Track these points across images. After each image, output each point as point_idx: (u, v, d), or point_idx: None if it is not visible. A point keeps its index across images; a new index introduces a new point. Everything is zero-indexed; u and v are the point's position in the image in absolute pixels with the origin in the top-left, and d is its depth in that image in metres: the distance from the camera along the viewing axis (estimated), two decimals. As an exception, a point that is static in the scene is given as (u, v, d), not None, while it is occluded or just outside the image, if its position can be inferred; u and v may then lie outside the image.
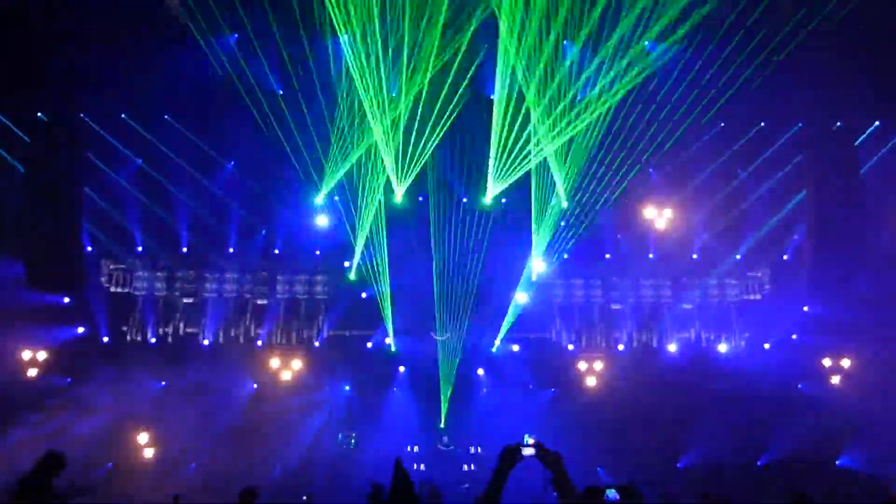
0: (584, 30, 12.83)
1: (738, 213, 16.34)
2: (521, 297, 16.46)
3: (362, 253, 16.48)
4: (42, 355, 14.91)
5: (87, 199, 15.34)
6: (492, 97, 15.07)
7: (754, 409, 14.99)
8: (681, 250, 16.75)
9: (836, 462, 15.08)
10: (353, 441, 16.20)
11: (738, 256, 16.82)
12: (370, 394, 16.63)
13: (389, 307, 16.15)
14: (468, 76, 14.29)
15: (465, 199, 16.61)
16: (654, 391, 15.72)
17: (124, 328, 16.51)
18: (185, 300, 16.84)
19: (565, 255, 16.67)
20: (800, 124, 15.66)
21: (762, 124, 15.68)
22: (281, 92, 14.12)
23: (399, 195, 16.37)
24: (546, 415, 15.93)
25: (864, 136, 15.42)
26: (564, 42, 14.13)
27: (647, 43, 13.17)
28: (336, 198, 15.78)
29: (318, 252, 16.65)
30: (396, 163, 15.67)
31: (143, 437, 14.88)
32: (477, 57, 14.33)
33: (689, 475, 15.28)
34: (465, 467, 15.52)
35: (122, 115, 15.07)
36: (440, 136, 14.89)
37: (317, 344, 16.98)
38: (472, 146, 15.62)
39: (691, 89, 13.18)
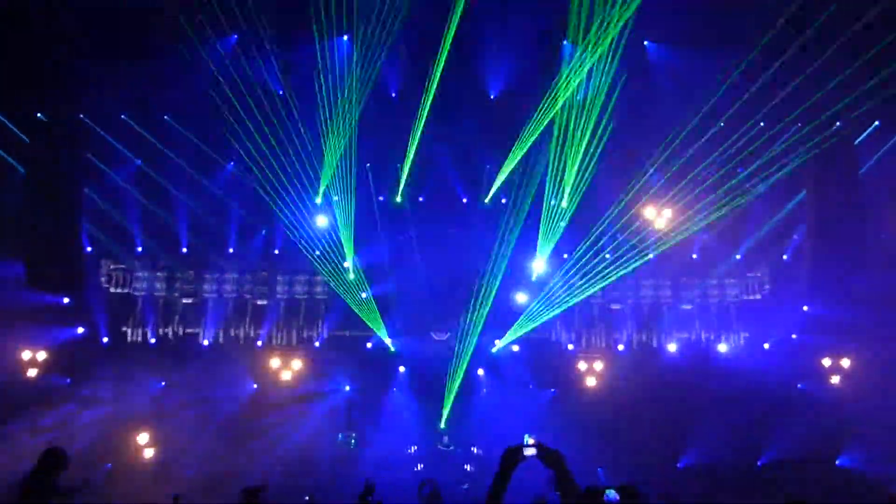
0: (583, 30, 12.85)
1: (738, 213, 16.34)
2: (521, 298, 16.47)
3: (362, 253, 16.51)
4: (42, 355, 14.89)
5: (87, 199, 15.33)
6: (492, 96, 15.10)
7: (754, 408, 14.99)
8: (680, 250, 16.74)
9: (836, 462, 15.08)
10: (352, 441, 16.20)
11: (738, 256, 16.82)
12: (370, 394, 16.63)
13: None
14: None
15: (465, 199, 16.62)
16: (653, 391, 15.72)
17: (124, 328, 16.50)
18: (184, 300, 16.84)
19: (565, 255, 16.68)
20: (799, 124, 15.66)
21: (762, 124, 15.67)
22: (281, 92, 14.11)
23: (399, 195, 16.43)
24: (546, 415, 15.93)
25: (864, 135, 15.42)
26: (564, 42, 14.16)
27: (647, 43, 13.20)
28: (336, 198, 15.78)
29: (317, 252, 16.64)
30: (399, 163, 15.73)
31: (143, 438, 14.87)
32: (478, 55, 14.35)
33: (689, 475, 15.28)
34: (466, 467, 15.50)
35: (122, 116, 15.07)
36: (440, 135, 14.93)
37: (317, 344, 16.99)
38: (472, 146, 15.65)
39: (691, 89, 13.19)
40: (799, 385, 16.01)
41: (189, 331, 16.76)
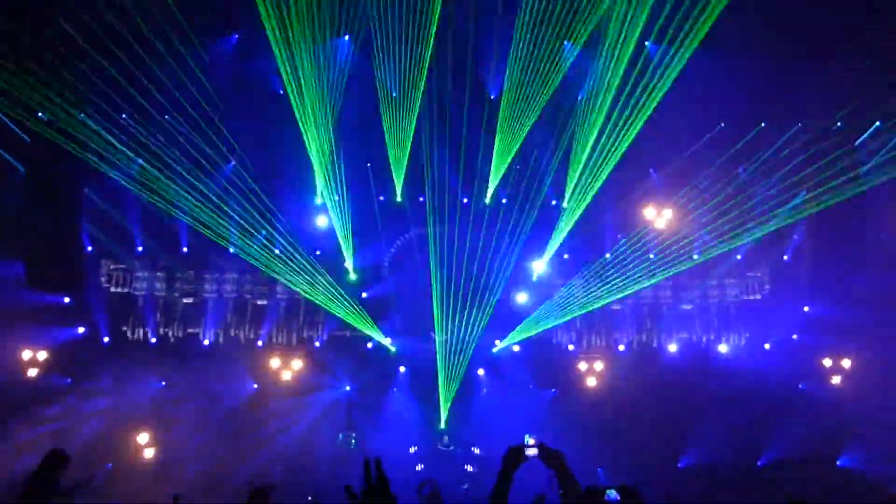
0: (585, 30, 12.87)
1: (739, 214, 16.34)
2: (521, 298, 16.48)
3: (362, 253, 16.52)
4: (42, 355, 14.90)
5: (87, 199, 15.34)
6: (493, 96, 15.11)
7: (754, 409, 14.99)
8: (681, 250, 16.75)
9: (837, 462, 15.08)
10: (353, 441, 16.20)
11: (738, 257, 16.82)
12: (370, 394, 16.63)
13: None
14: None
15: (465, 200, 16.62)
16: (654, 391, 15.72)
17: (124, 328, 16.49)
18: (185, 300, 16.84)
19: (565, 256, 16.69)
20: (800, 124, 15.67)
21: (762, 124, 15.68)
22: (281, 92, 14.12)
23: (399, 195, 16.44)
24: (546, 415, 15.93)
25: (865, 136, 15.42)
26: (565, 43, 14.16)
27: (647, 44, 13.20)
28: (336, 198, 15.80)
29: (318, 252, 16.65)
30: (398, 164, 15.74)
31: (143, 438, 14.87)
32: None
33: (689, 475, 15.28)
34: (466, 468, 15.50)
35: (123, 116, 15.07)
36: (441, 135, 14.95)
37: (317, 344, 16.99)
38: (472, 145, 15.66)
39: (691, 89, 13.18)
40: (799, 385, 16.01)
41: (189, 331, 16.76)
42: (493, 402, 16.40)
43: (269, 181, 15.94)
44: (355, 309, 16.11)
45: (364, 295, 16.59)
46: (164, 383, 15.80)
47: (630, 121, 13.70)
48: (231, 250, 15.84)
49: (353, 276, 16.43)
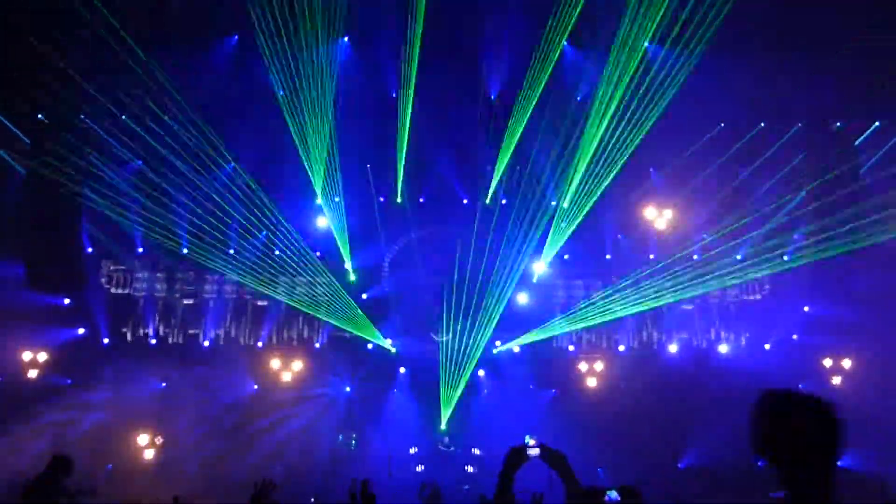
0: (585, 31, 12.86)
1: (739, 214, 16.34)
2: (521, 298, 16.47)
3: (362, 254, 16.52)
4: (42, 356, 14.91)
5: (87, 199, 15.33)
6: (493, 96, 15.11)
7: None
8: (681, 251, 16.74)
9: (838, 463, 15.03)
10: (353, 442, 16.19)
11: (738, 257, 16.80)
12: (371, 395, 16.62)
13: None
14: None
15: (465, 200, 16.63)
16: (654, 392, 15.70)
17: (124, 329, 16.49)
18: (185, 301, 16.83)
19: (566, 256, 16.68)
20: (800, 125, 15.67)
21: (762, 125, 15.68)
22: (281, 93, 14.12)
23: (399, 195, 16.44)
24: (547, 415, 15.91)
25: (865, 136, 15.43)
26: (565, 43, 14.17)
27: (647, 45, 13.20)
28: (337, 199, 15.80)
29: (318, 253, 16.64)
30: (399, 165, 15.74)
31: (143, 438, 14.87)
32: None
33: (689, 475, 15.27)
34: (466, 468, 15.49)
35: (123, 117, 15.07)
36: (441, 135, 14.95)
37: (317, 345, 16.98)
38: (473, 146, 15.66)
39: (692, 90, 13.18)
40: (800, 385, 15.97)
41: (190, 332, 16.76)
42: (493, 402, 16.39)
43: (269, 182, 15.94)
44: (353, 314, 16.11)
45: (364, 296, 16.58)
46: (164, 384, 15.79)
47: (633, 123, 13.70)
48: (231, 251, 15.85)
49: (353, 277, 16.42)
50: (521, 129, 14.84)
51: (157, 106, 14.81)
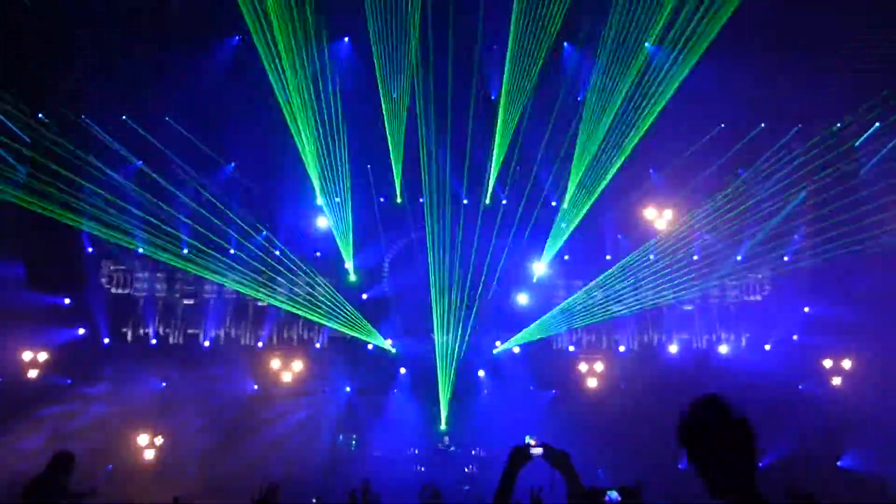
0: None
1: (739, 215, 16.33)
2: (521, 299, 16.47)
3: (362, 255, 16.51)
4: (43, 356, 14.90)
5: (87, 199, 15.32)
6: (494, 97, 15.11)
7: (755, 410, 14.78)
8: (681, 251, 16.74)
9: (838, 463, 15.05)
10: (353, 442, 16.19)
11: (738, 258, 16.81)
12: (371, 395, 16.62)
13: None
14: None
15: (465, 201, 16.63)
16: (654, 392, 15.66)
17: (125, 329, 16.50)
18: (185, 301, 16.83)
19: (566, 257, 16.68)
20: (799, 125, 15.66)
21: (762, 125, 15.68)
22: (281, 94, 14.12)
23: (398, 196, 16.44)
24: (547, 416, 15.91)
25: (865, 137, 15.42)
26: (565, 44, 14.17)
27: (647, 45, 13.20)
28: (337, 199, 15.80)
29: (318, 253, 16.64)
30: (397, 165, 15.74)
31: (143, 439, 14.86)
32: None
33: (690, 476, 15.20)
34: (466, 469, 15.49)
35: (123, 117, 15.06)
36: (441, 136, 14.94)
37: (318, 345, 16.98)
38: (473, 146, 15.65)
39: (692, 90, 13.18)
40: (800, 386, 16.00)
41: (190, 332, 16.75)
42: (493, 403, 16.38)
43: (268, 183, 15.95)
44: (353, 316, 16.10)
45: (364, 296, 16.58)
46: (164, 384, 15.79)
47: (633, 123, 13.71)
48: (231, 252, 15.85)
49: (353, 278, 16.41)
50: (520, 129, 14.84)
51: (157, 106, 14.82)
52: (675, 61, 12.85)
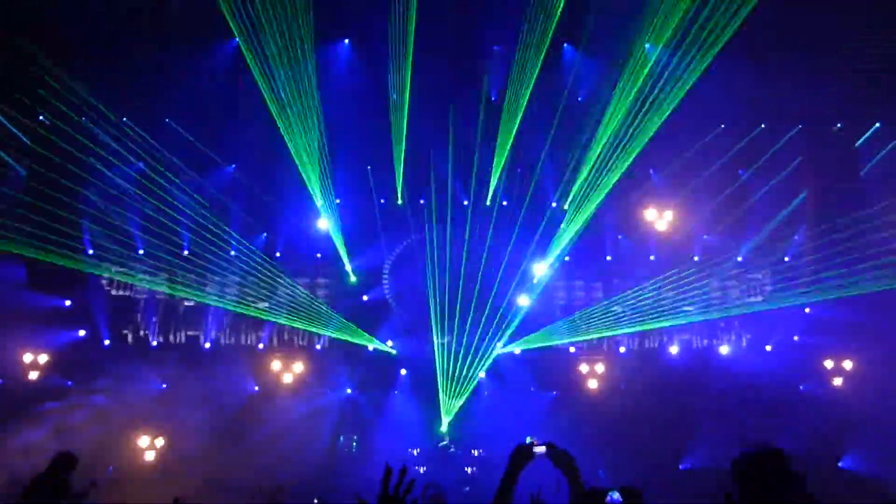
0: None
1: (739, 215, 16.34)
2: (522, 300, 16.47)
3: (363, 256, 16.51)
4: (43, 358, 14.89)
5: (87, 200, 15.33)
6: (493, 98, 15.12)
7: (756, 411, 14.95)
8: (682, 252, 16.74)
9: (839, 464, 15.04)
10: (354, 444, 16.18)
11: (739, 258, 16.81)
12: (372, 396, 16.61)
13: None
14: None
15: (465, 202, 16.63)
16: (655, 393, 15.69)
17: (125, 331, 16.48)
18: (186, 303, 16.82)
19: (566, 258, 16.67)
20: (800, 126, 15.67)
21: (762, 126, 15.69)
22: (281, 94, 14.13)
23: (399, 197, 16.45)
24: (547, 417, 15.90)
25: (865, 137, 15.43)
26: (565, 45, 14.18)
27: (647, 45, 13.21)
28: (337, 201, 15.80)
29: (319, 255, 16.65)
30: (398, 167, 15.75)
31: (144, 440, 14.86)
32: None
33: (690, 477, 15.24)
34: (467, 469, 15.48)
35: (124, 118, 15.08)
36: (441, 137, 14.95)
37: (318, 346, 16.97)
38: (473, 148, 15.67)
39: (692, 91, 13.19)
40: (801, 387, 15.99)
41: (190, 333, 16.74)
42: (494, 404, 16.36)
43: (269, 184, 15.96)
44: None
45: (365, 298, 16.58)
46: (164, 386, 15.78)
47: (636, 125, 13.70)
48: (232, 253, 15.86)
49: (353, 279, 16.41)
50: (521, 131, 14.84)
51: (158, 108, 14.83)
52: (677, 64, 12.85)
